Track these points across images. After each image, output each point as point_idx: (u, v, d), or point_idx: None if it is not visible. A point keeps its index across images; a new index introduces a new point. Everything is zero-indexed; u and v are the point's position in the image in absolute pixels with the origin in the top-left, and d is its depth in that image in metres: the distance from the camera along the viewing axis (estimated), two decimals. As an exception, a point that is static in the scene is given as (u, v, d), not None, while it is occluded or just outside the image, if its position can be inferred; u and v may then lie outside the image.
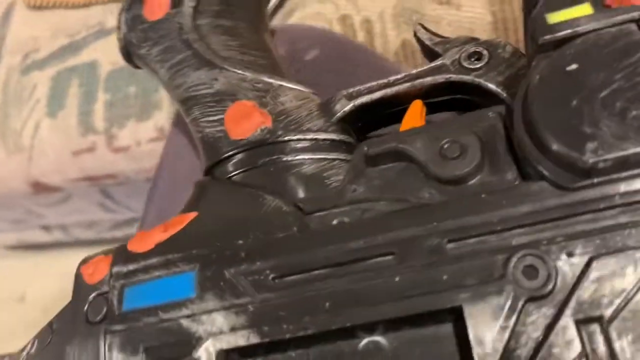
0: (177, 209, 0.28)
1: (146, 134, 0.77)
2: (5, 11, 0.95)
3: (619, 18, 0.22)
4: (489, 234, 0.20)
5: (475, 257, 0.20)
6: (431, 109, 0.29)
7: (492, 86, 0.26)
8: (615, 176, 0.20)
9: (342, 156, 0.27)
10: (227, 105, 0.29)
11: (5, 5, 0.96)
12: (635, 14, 0.22)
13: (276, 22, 0.54)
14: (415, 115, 0.28)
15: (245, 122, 0.28)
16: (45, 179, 0.73)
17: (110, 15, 0.86)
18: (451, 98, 0.28)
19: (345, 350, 0.21)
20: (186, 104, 0.31)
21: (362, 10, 0.74)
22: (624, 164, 0.19)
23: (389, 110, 0.29)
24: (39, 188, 0.74)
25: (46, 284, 0.82)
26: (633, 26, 0.21)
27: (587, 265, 0.19)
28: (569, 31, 0.22)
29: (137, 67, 0.37)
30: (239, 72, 0.30)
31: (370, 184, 0.24)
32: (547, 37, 0.22)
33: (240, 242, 0.23)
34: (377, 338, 0.21)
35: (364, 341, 0.21)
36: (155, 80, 0.79)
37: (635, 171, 0.19)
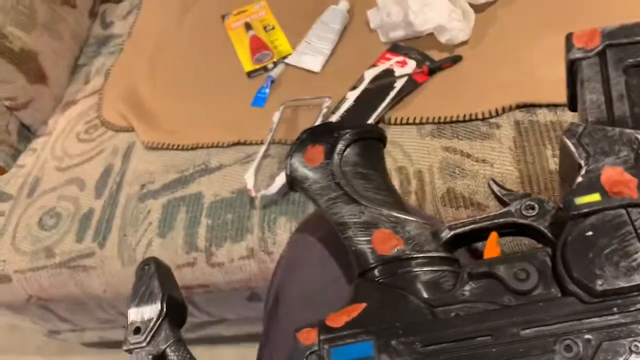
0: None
1: (238, 253, 0.96)
2: (126, 150, 1.17)
3: (615, 204, 0.39)
4: (545, 326, 0.37)
5: (537, 339, 0.37)
6: (502, 235, 0.46)
7: (542, 229, 0.43)
8: (615, 297, 0.36)
9: (448, 268, 0.44)
10: (372, 231, 0.47)
11: (127, 145, 1.18)
12: (624, 202, 0.39)
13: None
14: (492, 242, 0.45)
15: (386, 243, 0.46)
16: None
17: (212, 157, 1.07)
18: (515, 231, 0.46)
19: None
20: (342, 227, 0.48)
21: (415, 163, 0.99)
22: (620, 292, 0.36)
23: (475, 236, 0.46)
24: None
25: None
26: (622, 210, 0.39)
27: (598, 347, 0.36)
28: (586, 210, 0.39)
29: (295, 191, 0.55)
30: (377, 209, 0.47)
31: (472, 291, 0.41)
32: (575, 212, 0.40)
33: (398, 324, 0.40)
34: None
35: None
36: (247, 210, 1.02)
37: (627, 295, 0.36)
